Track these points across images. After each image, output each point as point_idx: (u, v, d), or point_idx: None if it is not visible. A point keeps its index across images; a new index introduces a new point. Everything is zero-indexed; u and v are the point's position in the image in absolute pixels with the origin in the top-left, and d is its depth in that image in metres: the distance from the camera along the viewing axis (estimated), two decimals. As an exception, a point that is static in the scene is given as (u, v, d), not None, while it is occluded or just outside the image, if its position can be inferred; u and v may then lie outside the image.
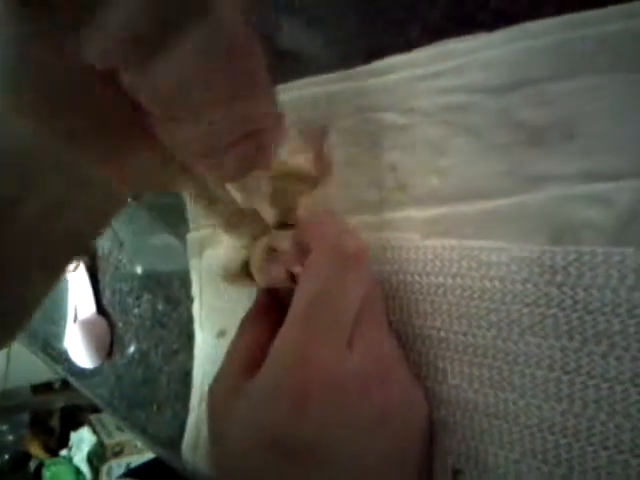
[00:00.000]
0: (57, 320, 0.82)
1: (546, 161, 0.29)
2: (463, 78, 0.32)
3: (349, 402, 0.27)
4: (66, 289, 0.78)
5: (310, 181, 0.38)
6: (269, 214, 0.37)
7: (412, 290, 0.34)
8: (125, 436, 2.06)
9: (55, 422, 2.44)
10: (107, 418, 2.14)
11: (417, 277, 0.34)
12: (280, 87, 0.43)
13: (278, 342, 0.29)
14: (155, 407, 0.66)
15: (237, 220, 0.39)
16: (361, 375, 0.28)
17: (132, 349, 0.70)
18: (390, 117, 0.35)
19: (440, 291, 0.33)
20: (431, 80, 0.34)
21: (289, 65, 0.45)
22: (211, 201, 0.38)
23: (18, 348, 1.12)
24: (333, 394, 0.27)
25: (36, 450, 2.31)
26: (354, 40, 0.40)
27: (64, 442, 2.32)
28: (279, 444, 0.27)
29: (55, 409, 2.43)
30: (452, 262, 0.32)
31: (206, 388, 0.51)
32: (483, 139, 0.32)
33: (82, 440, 2.22)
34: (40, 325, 0.89)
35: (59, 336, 0.81)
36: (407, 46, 0.36)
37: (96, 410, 2.10)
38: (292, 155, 0.36)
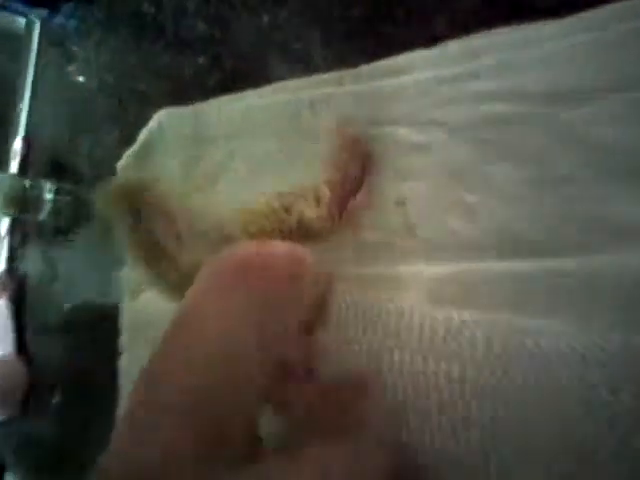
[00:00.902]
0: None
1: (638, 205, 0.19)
2: (505, 81, 0.23)
3: None
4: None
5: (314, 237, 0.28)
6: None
7: (410, 373, 0.24)
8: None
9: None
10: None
11: (419, 358, 0.24)
12: (272, 87, 0.36)
13: None
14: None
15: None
16: None
17: (54, 402, 0.58)
18: (403, 132, 0.25)
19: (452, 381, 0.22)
20: (461, 83, 0.24)
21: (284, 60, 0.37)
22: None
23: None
24: None
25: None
26: (359, 34, 0.32)
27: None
28: None
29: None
30: (471, 344, 0.22)
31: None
32: (533, 167, 0.22)
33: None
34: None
35: (-28, 377, 0.68)
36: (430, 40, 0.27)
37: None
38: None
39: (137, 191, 0.33)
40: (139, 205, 0.32)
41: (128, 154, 0.42)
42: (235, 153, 0.36)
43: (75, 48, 0.61)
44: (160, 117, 0.40)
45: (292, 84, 0.34)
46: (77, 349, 0.54)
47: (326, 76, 0.32)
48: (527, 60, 0.23)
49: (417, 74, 0.26)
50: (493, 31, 0.24)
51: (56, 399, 0.58)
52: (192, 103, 0.41)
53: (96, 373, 0.52)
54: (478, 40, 0.24)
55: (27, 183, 0.58)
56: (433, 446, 0.22)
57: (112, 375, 0.49)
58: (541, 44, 0.22)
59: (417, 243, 0.24)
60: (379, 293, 0.24)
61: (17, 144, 0.66)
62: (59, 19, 0.58)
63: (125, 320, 0.42)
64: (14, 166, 0.66)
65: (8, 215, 0.63)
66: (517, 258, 0.22)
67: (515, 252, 0.22)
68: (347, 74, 0.31)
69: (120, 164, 0.43)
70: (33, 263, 0.63)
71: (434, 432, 0.22)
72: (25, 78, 0.69)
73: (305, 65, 0.36)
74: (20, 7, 0.65)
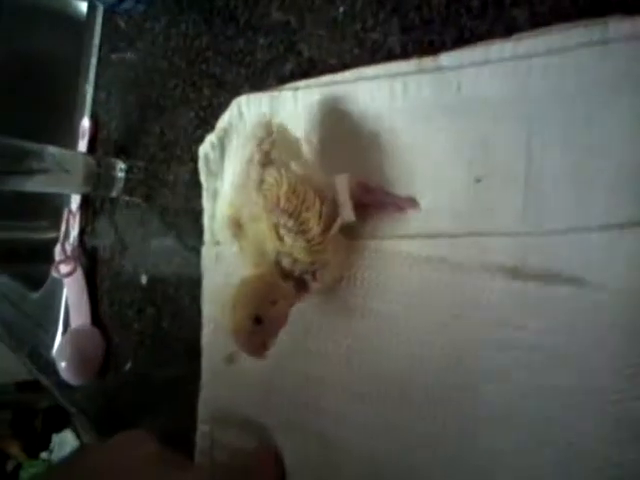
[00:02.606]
0: (47, 326, 0.74)
1: None
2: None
3: None
4: (60, 294, 0.70)
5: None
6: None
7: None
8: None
9: (38, 422, 2.35)
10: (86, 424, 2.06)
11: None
12: (349, 73, 0.37)
13: None
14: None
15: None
16: None
17: (127, 369, 0.62)
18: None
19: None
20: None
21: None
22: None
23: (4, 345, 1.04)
24: None
25: (15, 450, 2.23)
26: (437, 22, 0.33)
27: (45, 443, 2.24)
28: None
29: (39, 409, 2.35)
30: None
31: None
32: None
33: (64, 442, 2.15)
34: (29, 329, 0.81)
35: (48, 344, 0.73)
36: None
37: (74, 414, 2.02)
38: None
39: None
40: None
41: (210, 138, 0.44)
42: (312, 136, 0.38)
43: (142, 31, 0.63)
44: (239, 102, 0.43)
45: (370, 71, 0.36)
46: (152, 319, 0.57)
47: (405, 63, 0.34)
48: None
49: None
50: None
51: (129, 366, 0.62)
52: (267, 88, 0.43)
53: (170, 342, 0.55)
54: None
55: (99, 161, 0.61)
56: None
57: (185, 343, 0.52)
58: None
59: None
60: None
61: (85, 124, 0.70)
62: (127, 3, 0.60)
63: (207, 293, 0.45)
64: (83, 145, 0.69)
65: (83, 192, 0.66)
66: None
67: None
68: (427, 61, 0.32)
69: (202, 147, 0.45)
70: (104, 238, 0.66)
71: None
72: (89, 60, 0.71)
73: (383, 54, 0.37)
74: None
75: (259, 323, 0.30)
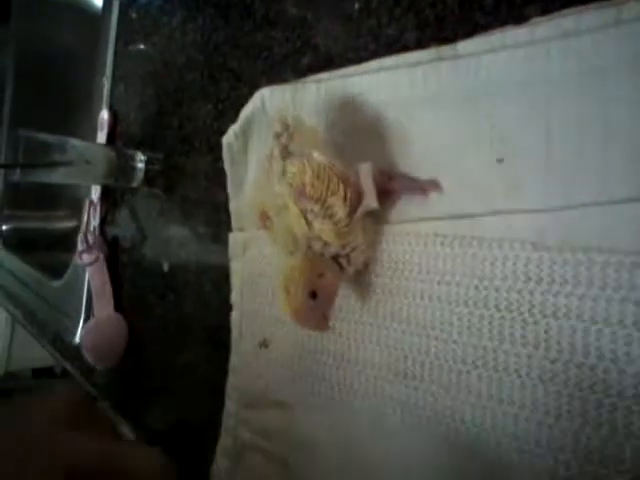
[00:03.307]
0: (70, 313, 0.77)
1: None
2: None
3: None
4: (82, 281, 0.73)
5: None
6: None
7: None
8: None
9: (53, 408, 2.39)
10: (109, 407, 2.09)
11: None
12: (372, 63, 0.38)
13: None
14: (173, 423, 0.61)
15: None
16: None
17: (150, 354, 0.64)
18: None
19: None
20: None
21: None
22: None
23: (22, 330, 1.07)
24: None
25: (32, 435, 2.26)
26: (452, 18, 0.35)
27: (61, 429, 2.27)
28: None
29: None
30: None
31: (243, 412, 0.45)
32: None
33: (79, 428, 2.16)
34: (51, 316, 0.84)
35: (71, 331, 0.75)
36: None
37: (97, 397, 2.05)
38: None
39: None
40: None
41: (234, 128, 0.46)
42: (335, 126, 0.40)
43: (158, 25, 0.64)
44: (262, 94, 0.44)
45: (390, 61, 0.37)
46: (174, 304, 0.60)
47: (424, 52, 0.35)
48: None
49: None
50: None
51: (150, 354, 0.64)
52: (284, 81, 0.45)
53: (191, 327, 0.57)
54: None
55: (119, 153, 0.63)
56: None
57: (206, 328, 0.55)
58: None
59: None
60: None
61: (103, 116, 0.71)
62: (143, -1, 0.62)
63: (234, 277, 0.47)
64: (102, 137, 0.71)
65: (104, 183, 0.68)
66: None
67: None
68: (445, 49, 0.34)
69: (225, 137, 0.47)
70: (125, 227, 0.69)
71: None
72: (106, 54, 0.73)
73: (398, 49, 0.39)
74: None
75: (315, 297, 0.32)
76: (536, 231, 0.30)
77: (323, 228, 0.33)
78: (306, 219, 0.33)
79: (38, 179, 0.59)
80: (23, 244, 1.02)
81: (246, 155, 0.46)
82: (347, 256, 0.34)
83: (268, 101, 0.44)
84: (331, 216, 0.33)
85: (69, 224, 1.06)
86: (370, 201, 0.34)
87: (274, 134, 0.35)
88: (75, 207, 0.99)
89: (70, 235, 0.74)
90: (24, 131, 0.55)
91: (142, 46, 0.68)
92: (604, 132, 0.28)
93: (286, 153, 0.35)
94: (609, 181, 0.27)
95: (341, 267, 0.35)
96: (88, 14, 0.98)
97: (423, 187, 0.35)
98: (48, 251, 1.01)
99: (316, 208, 0.33)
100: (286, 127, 0.35)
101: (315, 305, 0.32)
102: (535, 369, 0.29)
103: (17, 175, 0.55)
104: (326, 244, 0.34)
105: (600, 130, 0.28)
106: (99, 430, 0.33)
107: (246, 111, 0.45)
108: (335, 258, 0.34)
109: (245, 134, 0.46)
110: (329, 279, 0.34)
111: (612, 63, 0.27)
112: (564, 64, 0.29)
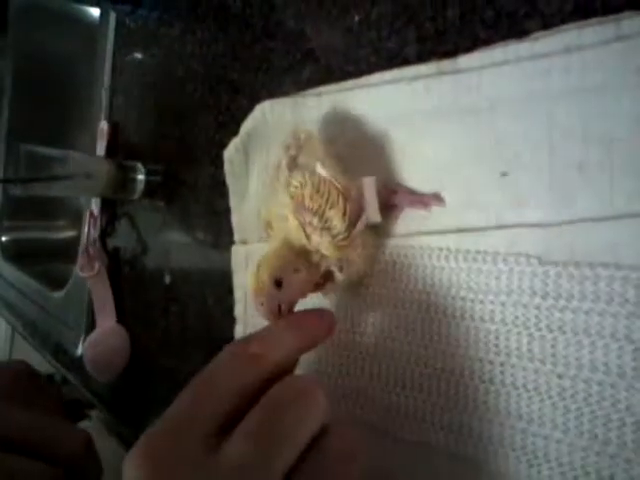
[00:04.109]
0: (72, 324, 0.76)
1: None
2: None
3: None
4: (84, 293, 0.73)
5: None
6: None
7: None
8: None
9: (55, 415, 2.39)
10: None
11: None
12: (374, 76, 0.38)
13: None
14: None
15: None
16: None
17: (153, 366, 0.64)
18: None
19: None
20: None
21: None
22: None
23: (21, 341, 1.07)
24: None
25: (34, 443, 2.26)
26: (452, 32, 0.35)
27: (62, 436, 2.27)
28: None
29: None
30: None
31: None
32: None
33: (81, 435, 2.16)
34: (53, 327, 0.84)
35: (73, 342, 0.75)
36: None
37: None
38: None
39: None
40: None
41: (234, 141, 0.46)
42: (337, 140, 0.40)
43: (157, 37, 0.64)
44: (263, 107, 0.44)
45: (391, 74, 0.37)
46: (176, 317, 0.60)
47: (424, 66, 0.35)
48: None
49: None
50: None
51: (154, 366, 0.64)
52: (284, 94, 0.45)
53: (194, 339, 0.57)
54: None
55: (120, 165, 0.63)
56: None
57: (208, 340, 0.54)
58: None
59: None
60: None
61: (102, 127, 0.71)
62: (142, 10, 0.62)
63: (237, 291, 0.47)
64: (101, 149, 0.71)
65: (105, 196, 0.68)
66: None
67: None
68: (445, 63, 0.34)
69: (227, 151, 0.47)
70: (126, 239, 0.69)
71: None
72: (103, 65, 0.73)
73: (399, 62, 0.39)
74: (104, 4, 0.69)
75: (278, 286, 0.32)
76: (541, 245, 0.30)
77: (321, 241, 0.33)
78: (305, 231, 0.33)
79: (38, 192, 0.59)
80: (23, 255, 1.02)
81: (247, 168, 0.46)
82: (340, 266, 0.35)
83: (269, 114, 0.44)
84: (329, 229, 0.33)
85: (69, 234, 1.06)
86: (372, 214, 0.34)
87: (284, 146, 0.36)
88: (75, 217, 0.99)
89: (71, 245, 0.74)
90: (25, 146, 0.55)
91: (140, 57, 0.68)
92: (608, 147, 0.28)
93: (293, 165, 0.35)
94: (614, 196, 0.27)
95: (331, 275, 0.35)
96: (85, 25, 0.98)
97: (426, 201, 0.35)
98: (48, 262, 1.01)
99: (315, 221, 0.33)
100: (297, 140, 0.36)
101: (276, 294, 0.32)
102: (542, 384, 0.29)
103: (17, 189, 0.55)
104: (323, 257, 0.34)
105: (604, 145, 0.28)
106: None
107: (247, 125, 0.45)
108: (327, 267, 0.35)
109: (246, 148, 0.46)
110: (302, 277, 0.33)
111: (614, 78, 0.27)
112: (566, 79, 0.29)
